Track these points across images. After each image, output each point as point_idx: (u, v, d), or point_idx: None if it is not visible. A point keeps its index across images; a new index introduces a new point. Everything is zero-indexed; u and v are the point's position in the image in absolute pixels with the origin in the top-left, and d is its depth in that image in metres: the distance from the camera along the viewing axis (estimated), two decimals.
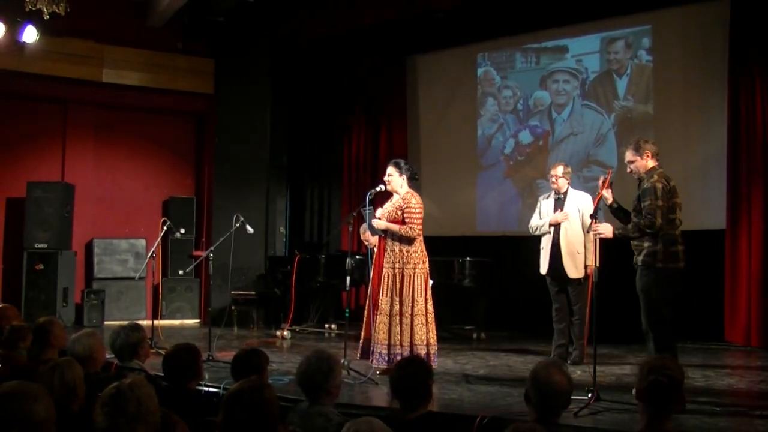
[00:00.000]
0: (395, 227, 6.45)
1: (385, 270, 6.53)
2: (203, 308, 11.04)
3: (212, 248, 7.69)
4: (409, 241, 6.45)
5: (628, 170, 5.77)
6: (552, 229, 7.24)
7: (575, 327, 7.25)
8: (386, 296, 6.47)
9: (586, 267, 7.14)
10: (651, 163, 5.65)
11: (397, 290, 6.45)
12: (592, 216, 5.70)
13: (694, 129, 9.02)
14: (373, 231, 6.64)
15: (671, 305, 5.54)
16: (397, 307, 6.42)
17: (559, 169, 7.37)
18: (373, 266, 6.63)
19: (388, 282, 6.48)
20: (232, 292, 10.36)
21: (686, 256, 5.58)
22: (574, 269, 7.17)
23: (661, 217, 5.43)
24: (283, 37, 11.19)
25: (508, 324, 9.85)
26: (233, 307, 10.33)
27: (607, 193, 5.82)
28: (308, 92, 12.10)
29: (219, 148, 11.40)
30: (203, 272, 10.68)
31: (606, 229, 5.59)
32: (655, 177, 5.53)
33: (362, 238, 7.38)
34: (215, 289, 9.97)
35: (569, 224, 7.20)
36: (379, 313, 6.48)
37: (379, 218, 6.57)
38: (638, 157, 5.66)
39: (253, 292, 10.54)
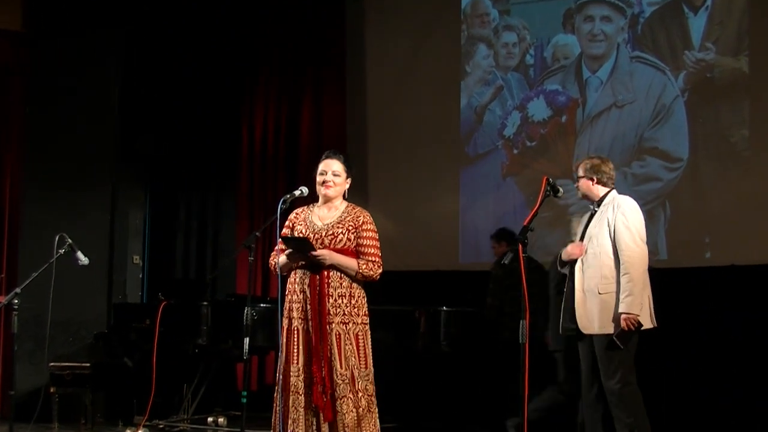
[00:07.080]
0: (352, 264, 6.46)
1: (334, 327, 6.42)
2: (1, 391, 11.06)
3: (18, 290, 7.64)
4: (362, 283, 6.56)
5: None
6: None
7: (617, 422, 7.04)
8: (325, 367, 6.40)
9: (619, 317, 6.96)
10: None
11: (339, 358, 6.38)
12: (517, 239, 6.15)
13: None
14: (294, 258, 6.51)
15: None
16: (342, 386, 6.34)
17: (580, 168, 7.44)
18: (284, 318, 6.51)
19: (330, 345, 6.40)
20: (52, 364, 9.99)
21: None
22: (585, 318, 7.16)
23: None
24: None
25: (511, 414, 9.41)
26: (52, 389, 9.90)
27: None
28: (188, 39, 12.12)
29: (32, 126, 11.37)
30: (1, 331, 10.92)
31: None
32: None
33: (273, 264, 7.02)
34: (23, 358, 10.18)
35: (588, 254, 7.27)
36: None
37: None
38: None
39: (88, 364, 10.07)
